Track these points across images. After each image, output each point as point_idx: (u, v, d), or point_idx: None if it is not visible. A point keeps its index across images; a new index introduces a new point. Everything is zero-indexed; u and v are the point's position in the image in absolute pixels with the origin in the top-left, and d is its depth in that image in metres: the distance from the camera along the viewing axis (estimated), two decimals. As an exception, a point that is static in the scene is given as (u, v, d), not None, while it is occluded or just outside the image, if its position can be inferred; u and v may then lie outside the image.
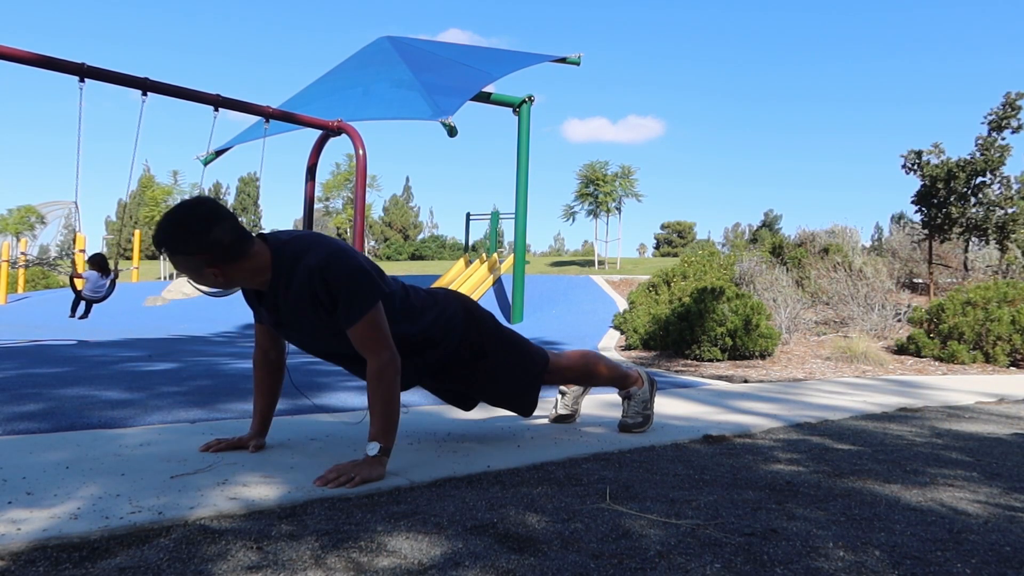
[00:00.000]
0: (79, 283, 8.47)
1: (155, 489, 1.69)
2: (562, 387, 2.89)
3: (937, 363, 7.04)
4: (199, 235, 1.82)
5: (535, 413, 2.73)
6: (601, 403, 3.47)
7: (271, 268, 1.95)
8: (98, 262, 8.73)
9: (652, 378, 2.80)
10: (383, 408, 1.93)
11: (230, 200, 54.72)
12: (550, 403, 3.05)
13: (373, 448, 1.88)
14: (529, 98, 12.20)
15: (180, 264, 1.86)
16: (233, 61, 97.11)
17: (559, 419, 2.89)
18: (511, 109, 12.37)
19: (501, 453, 2.24)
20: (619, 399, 2.78)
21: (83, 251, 14.19)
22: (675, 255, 34.41)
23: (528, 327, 11.37)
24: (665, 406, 3.53)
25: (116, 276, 8.68)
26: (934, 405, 3.97)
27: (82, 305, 8.87)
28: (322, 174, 27.09)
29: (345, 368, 2.22)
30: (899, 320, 8.93)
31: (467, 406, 2.49)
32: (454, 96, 10.08)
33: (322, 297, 1.93)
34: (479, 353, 2.30)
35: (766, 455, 2.37)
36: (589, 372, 2.63)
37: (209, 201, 1.89)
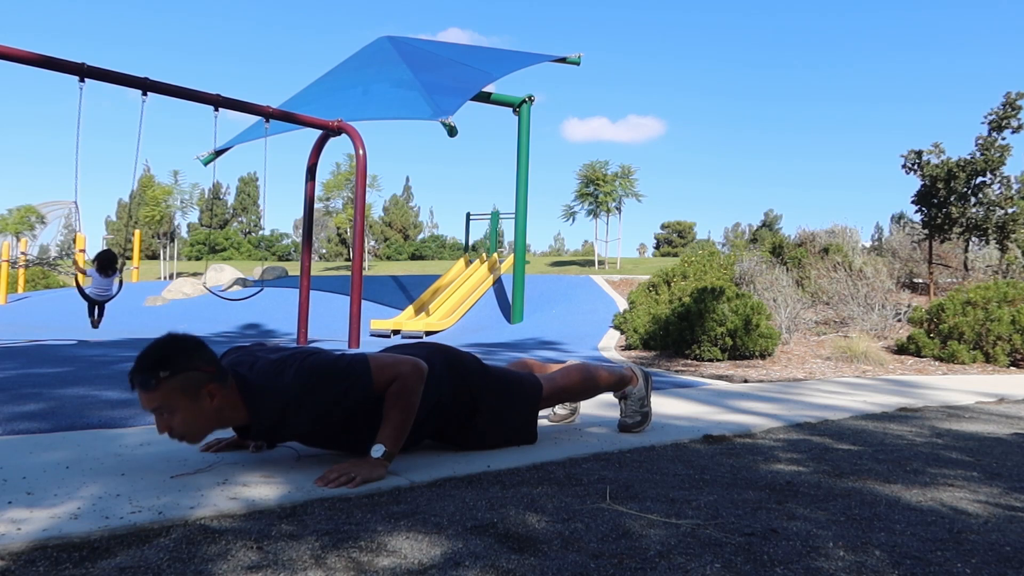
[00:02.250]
0: (82, 279, 8.33)
1: (155, 489, 1.70)
2: None
3: (937, 363, 7.04)
4: (200, 350, 1.81)
5: None
6: (601, 403, 3.47)
7: (245, 407, 1.88)
8: (101, 260, 8.48)
9: (647, 374, 2.79)
10: (398, 415, 1.92)
11: (230, 200, 54.70)
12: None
13: (378, 450, 1.87)
14: (529, 98, 12.20)
15: (176, 387, 1.75)
16: (233, 61, 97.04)
17: (559, 419, 2.89)
18: (511, 109, 12.37)
19: (501, 453, 2.24)
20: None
21: (83, 251, 14.18)
22: (675, 255, 34.42)
23: (528, 327, 11.37)
24: (665, 406, 3.53)
25: (120, 274, 8.52)
26: (934, 405, 3.97)
27: (95, 309, 8.69)
28: (322, 174, 27.10)
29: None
30: (899, 320, 8.93)
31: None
32: (454, 96, 10.08)
33: (321, 409, 1.90)
34: (472, 409, 2.23)
35: (766, 455, 2.37)
36: (589, 386, 2.59)
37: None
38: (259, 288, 9.05)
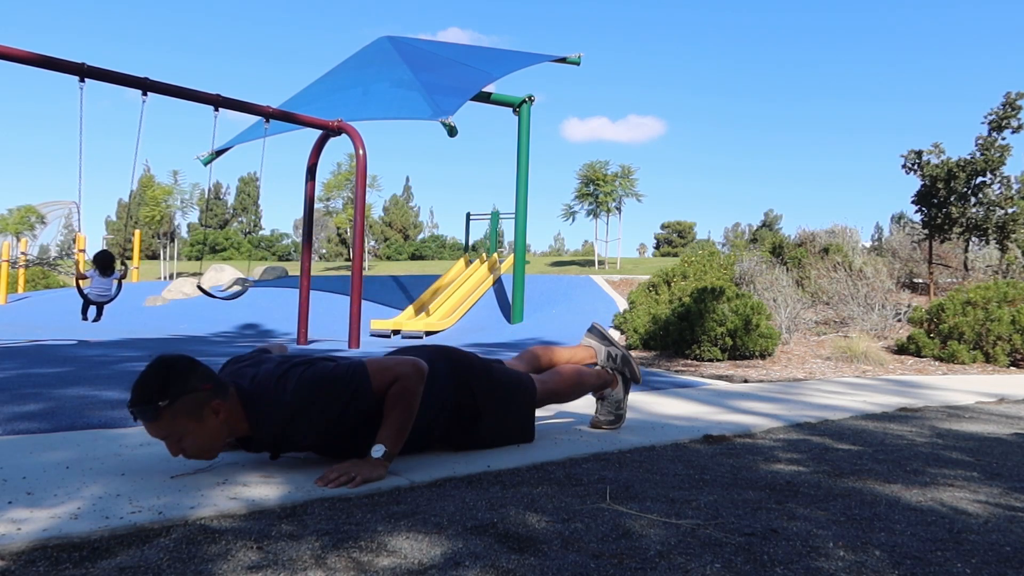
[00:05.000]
0: (83, 283, 8.32)
1: (156, 489, 1.70)
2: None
3: (937, 363, 7.04)
4: (194, 369, 1.78)
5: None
6: (601, 403, 3.47)
7: (247, 419, 1.87)
8: (100, 260, 8.38)
9: (628, 379, 2.78)
10: (399, 416, 1.92)
11: (230, 200, 54.67)
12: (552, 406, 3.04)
13: (378, 451, 1.87)
14: (529, 98, 12.20)
15: (179, 412, 1.73)
16: (233, 61, 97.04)
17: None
18: (511, 109, 12.37)
19: (501, 453, 2.24)
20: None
21: (83, 251, 14.16)
22: (675, 255, 34.40)
23: (528, 327, 11.37)
24: (665, 406, 3.53)
25: (123, 275, 8.48)
26: (934, 405, 3.97)
27: (93, 309, 8.65)
28: (322, 174, 27.08)
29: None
30: (899, 320, 8.93)
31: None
32: (454, 96, 10.08)
33: (324, 420, 1.88)
34: (474, 413, 2.23)
35: (766, 455, 2.37)
36: (577, 390, 2.62)
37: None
38: (243, 288, 8.95)
